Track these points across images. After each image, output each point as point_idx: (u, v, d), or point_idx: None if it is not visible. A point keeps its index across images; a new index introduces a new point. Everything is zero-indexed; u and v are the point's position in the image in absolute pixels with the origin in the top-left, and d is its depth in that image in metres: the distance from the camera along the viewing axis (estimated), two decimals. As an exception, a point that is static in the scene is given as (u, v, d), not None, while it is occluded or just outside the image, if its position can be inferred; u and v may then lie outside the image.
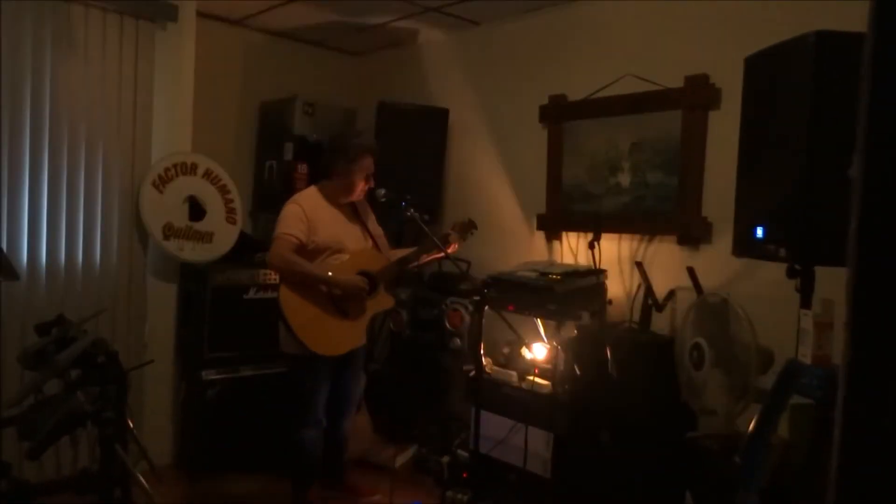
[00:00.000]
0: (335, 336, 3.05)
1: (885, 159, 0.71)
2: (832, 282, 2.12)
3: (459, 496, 3.33)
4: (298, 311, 2.97)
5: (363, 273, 3.06)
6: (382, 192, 3.17)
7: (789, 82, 2.11)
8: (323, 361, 3.07)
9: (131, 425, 2.81)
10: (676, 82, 3.17)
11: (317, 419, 3.15)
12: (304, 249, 3.01)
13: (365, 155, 3.11)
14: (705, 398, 2.49)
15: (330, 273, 3.00)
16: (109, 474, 2.18)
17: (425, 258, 3.26)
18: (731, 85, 2.86)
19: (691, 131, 3.13)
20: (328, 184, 3.18)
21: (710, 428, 2.52)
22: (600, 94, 3.46)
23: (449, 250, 3.12)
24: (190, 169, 3.73)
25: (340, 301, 3.04)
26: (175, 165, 3.68)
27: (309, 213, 3.05)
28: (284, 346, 3.10)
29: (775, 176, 2.17)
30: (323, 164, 3.25)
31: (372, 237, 3.28)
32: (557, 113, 3.70)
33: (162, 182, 3.63)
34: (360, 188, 3.13)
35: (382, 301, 3.21)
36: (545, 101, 3.76)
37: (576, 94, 3.60)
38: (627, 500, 2.72)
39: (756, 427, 1.39)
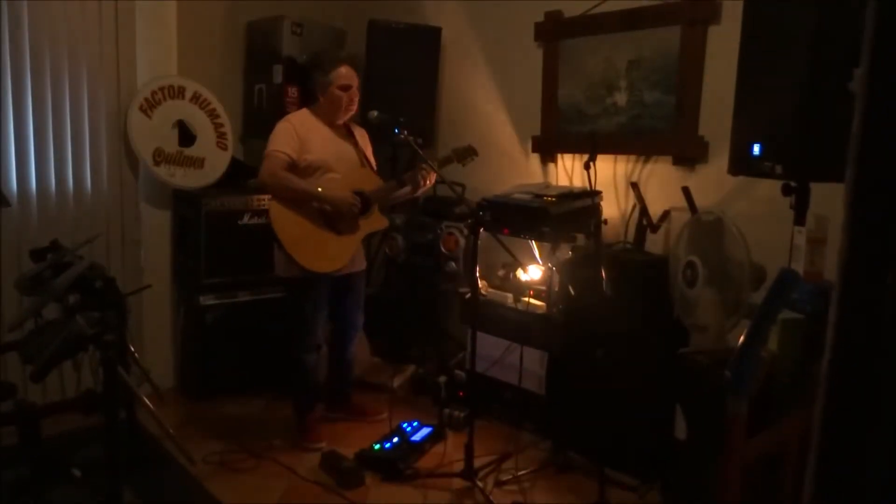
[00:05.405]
0: (326, 252, 3.04)
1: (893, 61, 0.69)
2: (826, 198, 2.12)
3: (456, 414, 3.43)
4: (289, 227, 2.97)
5: (357, 192, 3.05)
6: (375, 113, 3.10)
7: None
8: (320, 285, 3.09)
9: (132, 349, 2.86)
10: (676, -4, 3.07)
11: (316, 343, 3.20)
12: (296, 168, 3.00)
13: (339, 64, 3.06)
14: (697, 315, 2.53)
15: (320, 189, 2.99)
16: (113, 395, 2.22)
17: (410, 191, 3.21)
18: (733, -2, 2.77)
19: (690, 47, 3.05)
20: (317, 104, 3.16)
21: (702, 344, 2.58)
22: (597, 10, 3.36)
23: (428, 181, 3.13)
24: (177, 92, 3.65)
25: (332, 218, 3.03)
26: (162, 89, 3.60)
27: (300, 130, 3.02)
28: (280, 270, 3.12)
29: (774, 92, 2.13)
30: (309, 86, 3.23)
31: (369, 164, 3.25)
32: (553, 30, 3.60)
33: (150, 106, 3.56)
34: (345, 101, 3.07)
35: (376, 221, 3.21)
36: (541, 17, 3.65)
37: (572, 10, 3.49)
38: (620, 415, 2.80)
39: (747, 338, 1.42)
